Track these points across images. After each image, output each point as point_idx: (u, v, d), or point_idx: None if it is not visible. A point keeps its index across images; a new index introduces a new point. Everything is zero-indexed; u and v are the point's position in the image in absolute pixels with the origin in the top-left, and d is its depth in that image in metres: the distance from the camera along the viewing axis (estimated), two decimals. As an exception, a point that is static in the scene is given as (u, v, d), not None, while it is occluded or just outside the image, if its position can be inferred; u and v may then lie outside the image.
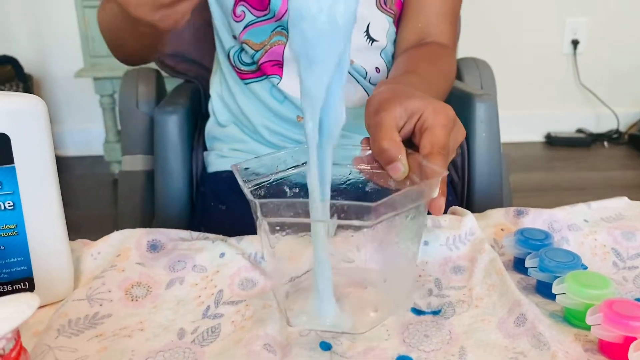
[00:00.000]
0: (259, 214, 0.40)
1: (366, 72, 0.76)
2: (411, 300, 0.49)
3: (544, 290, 0.50)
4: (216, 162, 0.80)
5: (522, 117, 2.72)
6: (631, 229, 0.58)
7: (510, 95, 2.67)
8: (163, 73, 0.98)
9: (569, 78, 2.72)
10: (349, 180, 0.50)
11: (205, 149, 0.85)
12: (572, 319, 0.46)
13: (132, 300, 0.49)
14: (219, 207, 0.73)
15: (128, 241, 0.54)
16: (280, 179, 0.48)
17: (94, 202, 2.14)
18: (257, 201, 0.40)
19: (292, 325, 0.44)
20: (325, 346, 0.43)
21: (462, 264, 0.54)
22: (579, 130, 2.76)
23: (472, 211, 0.59)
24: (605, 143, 2.71)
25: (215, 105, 0.82)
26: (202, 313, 0.48)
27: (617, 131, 2.74)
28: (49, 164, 0.46)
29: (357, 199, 0.44)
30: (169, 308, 0.48)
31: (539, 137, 2.77)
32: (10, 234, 0.46)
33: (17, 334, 0.30)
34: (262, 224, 0.42)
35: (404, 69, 0.66)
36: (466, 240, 0.57)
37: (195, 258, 0.53)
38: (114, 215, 0.91)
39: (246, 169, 0.46)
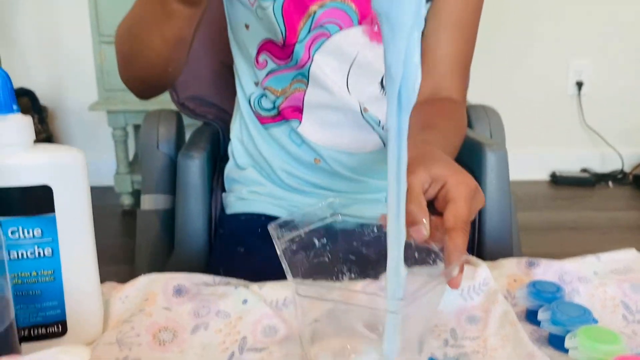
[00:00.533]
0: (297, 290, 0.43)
1: (379, 121, 0.79)
2: (425, 353, 0.50)
3: (556, 342, 0.52)
4: (235, 204, 0.82)
5: (527, 156, 2.75)
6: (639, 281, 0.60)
7: (516, 135, 2.70)
8: (183, 115, 1.02)
9: (574, 118, 2.76)
10: (376, 235, 0.52)
11: (223, 190, 0.88)
12: (584, 373, 0.48)
13: (160, 344, 0.51)
14: (237, 249, 0.75)
15: (154, 285, 0.56)
16: (310, 231, 0.51)
17: (104, 232, 2.16)
18: (294, 282, 0.42)
19: None
20: (346, 395, 0.45)
21: (477, 314, 0.56)
22: (584, 170, 2.79)
23: (482, 256, 0.61)
24: (610, 183, 2.73)
25: (234, 148, 0.85)
26: (227, 359, 0.49)
27: (621, 171, 2.77)
28: (86, 214, 0.49)
29: (380, 249, 0.46)
30: (195, 353, 0.50)
31: (544, 176, 2.80)
32: (47, 279, 0.48)
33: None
34: (297, 298, 0.44)
35: (423, 124, 0.70)
36: (480, 290, 0.58)
37: (219, 304, 0.55)
38: (123, 245, 0.94)
39: (281, 227, 0.49)
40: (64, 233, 0.48)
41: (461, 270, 0.47)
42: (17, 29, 2.39)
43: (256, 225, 0.78)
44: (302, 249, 0.50)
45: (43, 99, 2.30)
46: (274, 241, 0.47)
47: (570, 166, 2.79)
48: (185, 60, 0.75)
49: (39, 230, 0.47)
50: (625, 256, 0.66)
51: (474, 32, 0.83)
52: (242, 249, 0.75)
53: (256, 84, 0.82)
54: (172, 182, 0.94)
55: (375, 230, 0.53)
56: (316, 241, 0.51)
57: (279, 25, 0.75)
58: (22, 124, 0.46)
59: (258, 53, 0.80)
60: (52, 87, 2.35)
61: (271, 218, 0.80)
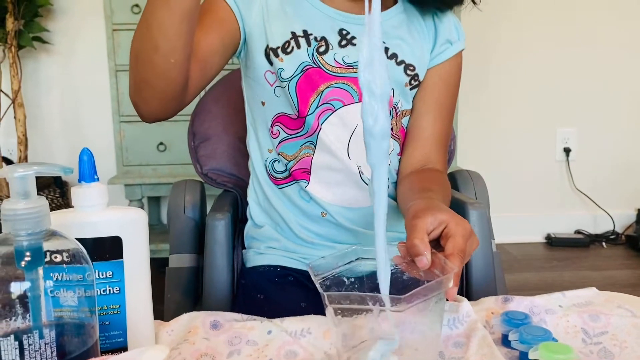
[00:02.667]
0: (326, 302, 0.55)
1: None
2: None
3: (524, 359, 0.63)
4: (254, 258, 0.95)
5: (522, 219, 2.88)
6: (597, 312, 0.72)
7: (511, 199, 2.86)
8: (205, 185, 1.16)
9: (564, 183, 2.91)
10: (392, 270, 0.65)
11: (243, 247, 1.01)
12: (546, 380, 0.59)
13: (202, 366, 0.62)
14: (257, 296, 0.88)
15: (195, 321, 0.68)
16: (339, 273, 0.64)
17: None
18: (324, 293, 0.55)
19: None
20: (355, 400, 0.56)
21: (461, 340, 0.68)
22: (578, 232, 2.91)
23: (470, 299, 0.74)
24: (604, 243, 2.84)
25: (252, 210, 0.99)
26: (257, 376, 0.61)
27: (613, 232, 2.89)
28: (145, 260, 0.62)
29: (397, 284, 0.61)
30: (230, 372, 0.62)
31: (539, 238, 2.91)
32: (114, 312, 0.61)
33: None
34: (329, 308, 0.56)
35: (422, 188, 0.85)
36: (464, 321, 0.70)
37: (248, 335, 0.67)
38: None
39: (315, 267, 0.62)
40: (129, 275, 0.61)
41: (455, 284, 0.60)
42: (43, 109, 2.59)
43: (273, 276, 0.91)
44: (334, 285, 0.62)
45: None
46: (312, 277, 0.60)
47: (565, 228, 2.91)
48: (188, 58, 0.79)
49: (111, 272, 0.60)
50: (586, 293, 0.78)
51: (451, 114, 1.01)
52: (261, 296, 0.87)
53: (269, 150, 0.97)
54: (196, 243, 1.07)
55: (392, 268, 0.66)
56: (345, 280, 0.63)
57: (293, 100, 0.91)
58: (101, 189, 0.60)
59: (272, 125, 0.95)
60: (73, 164, 2.52)
61: (286, 269, 0.93)
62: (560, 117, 2.87)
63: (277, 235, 0.95)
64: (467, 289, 0.93)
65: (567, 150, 2.87)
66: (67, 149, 2.60)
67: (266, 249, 0.95)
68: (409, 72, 0.94)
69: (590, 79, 2.83)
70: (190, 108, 1.31)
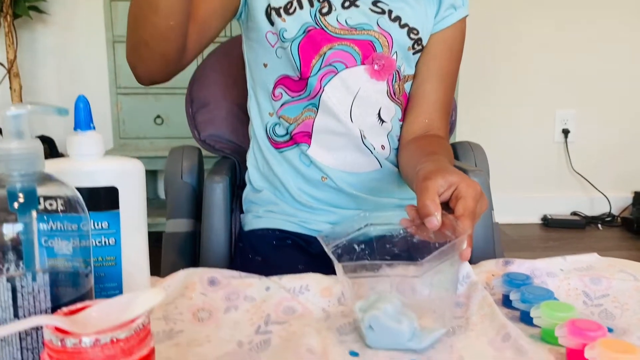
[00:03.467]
0: (341, 272, 0.55)
1: (374, 148, 0.92)
2: (453, 321, 0.61)
3: (525, 318, 0.62)
4: (252, 222, 0.94)
5: (519, 200, 2.87)
6: (599, 276, 0.71)
7: (508, 180, 2.85)
8: (203, 151, 1.15)
9: (562, 164, 2.91)
10: (402, 236, 0.65)
11: (241, 211, 1.00)
12: (547, 337, 0.58)
13: (199, 320, 0.61)
14: (255, 258, 0.87)
15: (192, 277, 0.67)
16: (349, 239, 0.63)
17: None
18: (339, 264, 0.54)
19: (372, 346, 0.56)
20: (354, 354, 0.56)
21: (461, 301, 0.67)
22: (574, 213, 2.91)
23: (470, 262, 0.73)
24: (600, 225, 2.85)
25: (251, 174, 0.98)
26: (254, 330, 0.60)
27: (609, 214, 2.89)
28: (142, 212, 0.61)
29: (408, 247, 0.61)
30: (228, 327, 0.61)
31: (535, 219, 2.91)
32: (109, 264, 0.59)
33: (148, 315, 0.43)
34: (343, 279, 0.57)
35: (428, 151, 0.85)
36: (463, 282, 0.70)
37: (246, 291, 0.66)
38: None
39: (326, 236, 0.62)
40: (125, 226, 0.59)
41: (469, 244, 0.60)
42: (39, 80, 2.56)
43: (271, 239, 0.90)
44: (345, 253, 0.62)
45: (61, 146, 2.44)
46: (323, 247, 0.60)
47: (561, 209, 2.91)
48: (187, 20, 0.80)
49: (106, 223, 0.59)
50: (588, 258, 0.77)
51: (454, 81, 0.99)
52: (259, 258, 0.86)
53: (270, 114, 0.95)
54: (193, 208, 1.06)
55: (401, 232, 0.66)
56: (356, 247, 0.62)
57: (295, 62, 0.89)
58: (97, 138, 0.58)
59: (274, 87, 0.93)
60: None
61: (284, 232, 0.92)
62: (559, 99, 2.85)
63: (275, 199, 0.94)
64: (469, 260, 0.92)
65: (565, 132, 2.86)
66: (63, 121, 2.57)
67: (265, 213, 0.94)
68: (412, 35, 0.92)
69: (591, 61, 2.81)
70: (187, 78, 1.30)
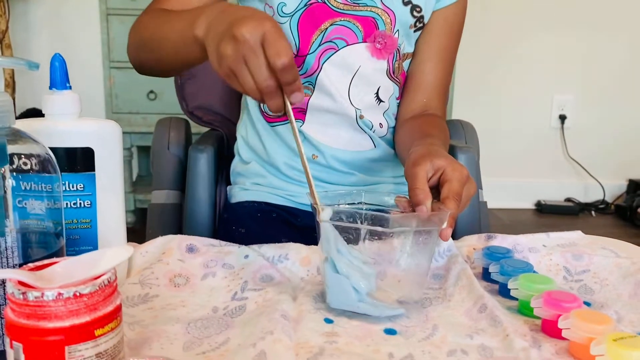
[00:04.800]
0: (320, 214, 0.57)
1: (372, 125, 0.91)
2: (421, 297, 0.61)
3: (504, 292, 0.62)
4: (239, 194, 0.93)
5: (514, 185, 2.87)
6: (580, 252, 0.71)
7: (503, 165, 2.84)
8: (191, 122, 1.13)
9: (557, 150, 2.90)
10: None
11: (227, 184, 0.99)
12: (524, 310, 0.58)
13: (175, 286, 0.61)
14: (239, 230, 0.86)
15: (170, 243, 0.66)
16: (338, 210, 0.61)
17: (105, 248, 2.25)
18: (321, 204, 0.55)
19: (330, 304, 0.56)
20: (328, 321, 0.55)
21: (440, 273, 0.67)
22: (568, 200, 2.91)
23: (455, 238, 0.72)
24: (593, 212, 2.85)
25: (240, 146, 0.97)
26: (230, 297, 0.60)
27: (603, 201, 2.89)
28: (119, 174, 0.60)
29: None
30: (204, 293, 0.60)
31: (529, 204, 2.91)
32: (85, 226, 0.59)
33: (115, 271, 0.42)
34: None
35: (422, 133, 0.84)
36: (444, 255, 0.69)
37: (225, 259, 0.65)
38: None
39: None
40: (101, 189, 0.59)
41: (450, 225, 0.60)
42: (31, 52, 2.53)
43: (256, 211, 0.89)
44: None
45: (53, 120, 2.43)
46: (309, 197, 0.60)
47: (555, 195, 2.90)
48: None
49: (82, 185, 0.58)
50: (571, 235, 0.77)
51: (453, 60, 0.98)
52: (242, 230, 0.86)
53: None
54: (180, 180, 1.05)
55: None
56: (343, 217, 0.59)
57: (293, 38, 0.87)
58: (73, 98, 0.57)
59: None
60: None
61: (270, 205, 0.91)
62: (557, 84, 2.83)
63: (264, 171, 0.93)
64: (453, 234, 0.91)
65: (562, 118, 2.85)
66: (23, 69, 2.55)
67: (252, 185, 0.93)
68: (415, 13, 0.90)
69: (591, 47, 2.78)
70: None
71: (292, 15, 0.87)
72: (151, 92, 2.34)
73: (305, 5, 0.86)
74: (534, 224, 2.74)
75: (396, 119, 0.96)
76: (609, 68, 2.81)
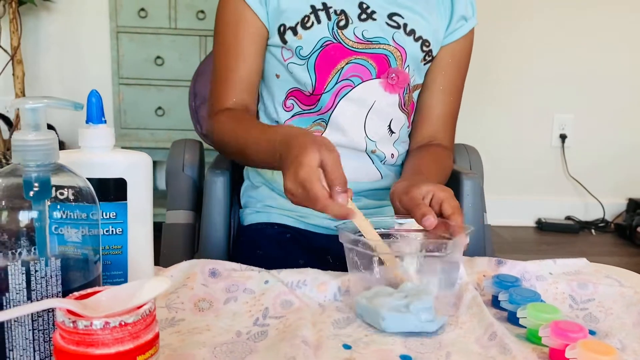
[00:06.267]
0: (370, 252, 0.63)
1: (385, 157, 0.95)
2: (453, 310, 0.66)
3: (513, 319, 0.65)
4: (251, 217, 0.96)
5: (514, 202, 2.90)
6: (586, 281, 0.74)
7: (504, 183, 2.88)
8: (204, 144, 1.17)
9: (558, 169, 2.94)
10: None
11: (239, 207, 1.02)
12: (532, 337, 0.61)
13: (199, 310, 0.64)
14: (256, 252, 0.89)
15: (194, 268, 0.69)
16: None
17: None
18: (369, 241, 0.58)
19: (384, 329, 0.61)
20: (347, 347, 0.58)
21: (452, 300, 0.69)
22: (568, 218, 2.94)
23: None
24: (593, 231, 2.88)
25: (249, 171, 1.00)
26: (253, 322, 0.63)
27: (603, 220, 2.92)
28: (149, 203, 0.63)
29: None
30: (227, 317, 0.63)
31: (530, 222, 2.94)
32: (116, 252, 0.62)
33: (154, 302, 0.45)
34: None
35: (414, 170, 0.91)
36: (456, 283, 0.72)
37: (246, 283, 0.68)
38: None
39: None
40: (132, 217, 0.62)
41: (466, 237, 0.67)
42: (42, 68, 2.57)
43: (271, 233, 0.92)
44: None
45: (62, 135, 2.46)
46: (343, 236, 0.66)
47: (555, 213, 2.94)
48: None
49: (114, 213, 0.61)
50: (577, 262, 0.80)
51: (461, 93, 1.03)
52: (260, 252, 0.89)
53: (276, 122, 0.97)
54: (194, 201, 1.08)
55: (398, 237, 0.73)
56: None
57: (310, 78, 0.91)
58: (107, 132, 0.61)
59: (286, 98, 0.95)
60: (71, 124, 2.52)
61: (283, 226, 0.94)
62: (558, 103, 2.88)
63: (274, 194, 0.96)
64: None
65: (563, 137, 2.89)
66: (66, 109, 2.59)
67: (263, 207, 0.96)
68: (424, 48, 0.94)
69: (592, 66, 2.83)
70: (190, 71, 1.31)
71: (310, 57, 0.91)
72: (159, 108, 2.38)
73: (321, 46, 0.90)
74: (535, 241, 2.77)
75: (408, 146, 1.00)
76: (609, 88, 2.86)
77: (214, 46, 0.96)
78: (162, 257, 1.06)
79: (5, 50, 2.37)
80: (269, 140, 0.77)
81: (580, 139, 2.90)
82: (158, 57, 2.35)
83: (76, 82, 2.59)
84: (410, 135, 1.01)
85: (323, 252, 0.89)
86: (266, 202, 0.96)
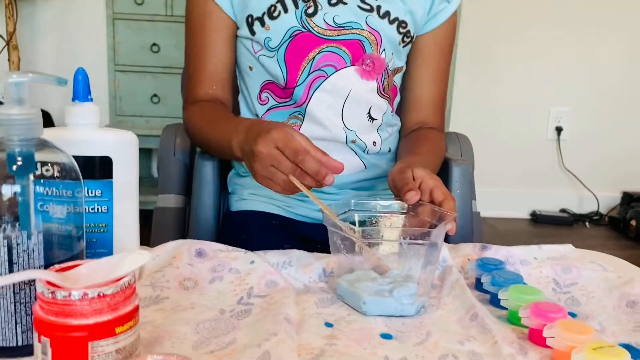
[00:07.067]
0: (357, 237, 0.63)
1: (366, 146, 0.95)
2: (433, 292, 0.68)
3: (495, 301, 0.66)
4: (237, 204, 0.97)
5: (509, 195, 2.91)
6: (570, 265, 0.74)
7: (500, 175, 2.89)
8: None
9: (553, 161, 2.94)
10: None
11: (228, 192, 1.02)
12: (513, 319, 0.61)
13: (184, 289, 0.64)
14: (242, 236, 0.89)
15: (180, 248, 0.70)
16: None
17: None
18: (357, 228, 0.59)
19: (365, 312, 0.61)
20: (329, 325, 0.59)
21: (435, 283, 0.70)
22: (563, 210, 2.95)
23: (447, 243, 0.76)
24: (587, 223, 2.89)
25: (235, 162, 1.00)
26: (237, 301, 0.63)
27: (597, 213, 2.93)
28: (134, 182, 0.63)
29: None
30: (212, 296, 0.64)
31: (524, 214, 2.95)
32: (101, 230, 0.62)
33: (134, 275, 0.46)
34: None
35: (409, 151, 0.92)
36: (439, 266, 0.73)
37: (232, 264, 0.69)
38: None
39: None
40: (118, 195, 0.62)
41: (454, 221, 0.68)
42: (38, 53, 2.57)
43: (257, 218, 0.92)
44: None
45: (58, 121, 2.45)
46: (328, 219, 0.66)
47: (550, 206, 2.95)
48: None
49: (100, 191, 0.61)
50: (562, 249, 0.80)
51: (447, 75, 1.03)
52: (245, 236, 0.89)
53: (256, 116, 0.96)
54: (184, 185, 1.08)
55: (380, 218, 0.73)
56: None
57: (281, 70, 0.90)
58: (93, 110, 0.61)
59: (261, 91, 0.94)
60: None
61: (269, 215, 0.94)
62: (554, 96, 2.88)
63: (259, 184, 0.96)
64: (446, 241, 0.95)
65: (558, 129, 2.89)
66: (61, 95, 2.58)
67: (249, 195, 0.96)
68: (401, 29, 0.92)
69: (588, 59, 2.83)
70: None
71: (279, 49, 0.89)
72: (155, 95, 2.38)
73: (290, 36, 0.88)
74: (529, 234, 2.78)
75: (399, 131, 1.00)
76: (606, 81, 2.86)
77: (185, 40, 0.96)
78: (153, 240, 1.06)
79: (0, 36, 2.36)
80: (229, 132, 0.78)
81: (576, 132, 2.90)
82: (154, 44, 2.35)
83: (72, 69, 2.56)
84: (401, 122, 1.01)
85: (309, 240, 0.89)
86: (252, 190, 0.96)
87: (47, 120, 2.41)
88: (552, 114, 2.90)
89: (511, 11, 2.77)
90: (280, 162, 0.66)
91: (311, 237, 0.90)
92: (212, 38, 0.91)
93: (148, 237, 1.09)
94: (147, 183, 2.58)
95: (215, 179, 0.96)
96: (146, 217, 1.09)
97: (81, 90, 0.60)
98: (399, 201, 0.73)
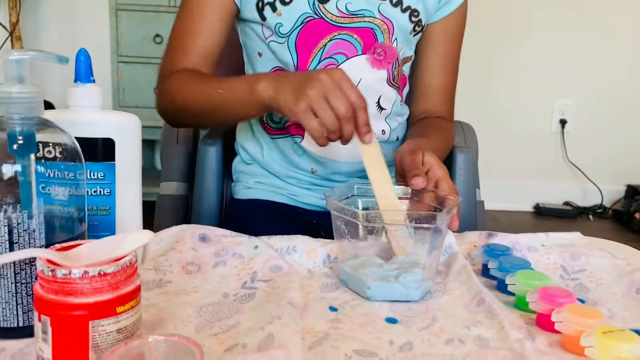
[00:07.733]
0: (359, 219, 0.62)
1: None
2: (438, 277, 0.67)
3: (502, 287, 0.65)
4: (242, 192, 0.96)
5: (513, 187, 2.90)
6: (578, 252, 0.73)
7: (504, 167, 2.87)
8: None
9: (557, 154, 2.92)
10: None
11: (231, 180, 1.01)
12: (521, 304, 0.61)
13: (188, 273, 0.64)
14: (245, 224, 0.88)
15: (184, 232, 0.69)
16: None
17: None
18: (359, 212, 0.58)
19: (369, 298, 0.60)
20: (333, 309, 0.58)
21: (441, 269, 0.69)
22: (566, 203, 2.94)
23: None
24: (591, 216, 2.87)
25: (240, 148, 0.98)
26: (240, 285, 0.62)
27: (601, 206, 2.92)
28: (137, 165, 0.63)
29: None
30: (215, 280, 0.63)
31: (528, 207, 2.94)
32: (104, 213, 0.61)
33: (135, 254, 0.45)
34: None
35: (419, 134, 0.91)
36: (445, 252, 0.72)
37: (235, 249, 0.68)
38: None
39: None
40: (120, 178, 0.61)
41: (457, 216, 0.67)
42: (41, 44, 2.55)
43: (261, 206, 0.92)
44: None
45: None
46: (332, 202, 0.65)
47: (554, 199, 2.93)
48: None
49: (102, 174, 0.61)
50: (570, 236, 0.79)
51: (457, 63, 1.01)
52: (249, 224, 0.88)
53: None
54: (187, 172, 1.08)
55: None
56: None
57: (292, 56, 0.88)
58: (96, 91, 0.60)
59: None
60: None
61: (274, 203, 0.93)
62: (559, 89, 2.86)
63: (265, 172, 0.95)
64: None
65: (563, 122, 2.88)
66: (64, 86, 2.58)
67: (254, 184, 0.95)
68: (413, 18, 0.91)
69: (592, 52, 2.81)
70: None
71: (290, 35, 0.88)
72: (158, 86, 2.37)
73: (302, 22, 0.87)
74: (532, 226, 2.77)
75: (407, 119, 1.00)
76: (610, 73, 2.84)
77: (178, 12, 0.92)
78: (156, 227, 1.06)
79: (4, 27, 2.35)
80: (248, 78, 0.77)
81: (580, 125, 2.88)
82: (157, 35, 2.34)
83: (74, 59, 2.57)
84: (410, 110, 1.00)
85: (314, 229, 0.88)
86: (257, 178, 0.95)
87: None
88: (557, 107, 2.88)
89: (516, 2, 2.75)
90: (340, 97, 0.66)
91: (317, 224, 0.89)
92: (211, 16, 0.89)
93: (151, 226, 1.09)
94: (150, 174, 2.58)
95: (218, 166, 0.96)
96: (149, 208, 1.09)
97: (83, 71, 0.60)
98: (402, 186, 0.72)
